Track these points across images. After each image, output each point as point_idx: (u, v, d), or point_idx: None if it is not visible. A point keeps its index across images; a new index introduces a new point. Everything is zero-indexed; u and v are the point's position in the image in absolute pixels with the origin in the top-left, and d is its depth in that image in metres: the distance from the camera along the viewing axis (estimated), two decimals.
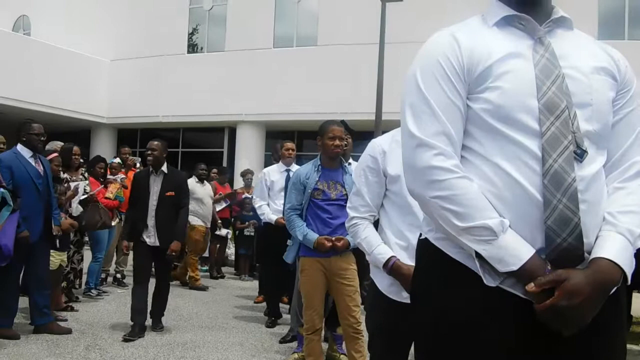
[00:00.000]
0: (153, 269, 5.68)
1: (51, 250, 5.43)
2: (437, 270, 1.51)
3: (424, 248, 1.57)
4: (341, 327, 4.54)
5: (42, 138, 5.19)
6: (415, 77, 1.52)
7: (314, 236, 3.83)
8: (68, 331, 5.18)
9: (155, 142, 5.47)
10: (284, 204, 5.25)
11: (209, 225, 8.63)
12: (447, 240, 1.48)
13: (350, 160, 4.94)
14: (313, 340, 3.96)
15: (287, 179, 5.65)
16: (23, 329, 5.13)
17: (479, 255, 1.39)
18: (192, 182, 7.88)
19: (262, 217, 6.25)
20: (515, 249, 1.36)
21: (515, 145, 1.42)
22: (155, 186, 5.41)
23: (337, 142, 3.89)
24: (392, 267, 2.37)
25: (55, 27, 18.66)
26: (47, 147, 6.03)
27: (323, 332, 4.21)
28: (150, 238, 5.36)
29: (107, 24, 17.97)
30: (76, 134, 16.19)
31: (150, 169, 5.49)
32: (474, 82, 1.47)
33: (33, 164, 5.05)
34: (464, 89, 1.48)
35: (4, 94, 13.90)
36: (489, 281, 1.39)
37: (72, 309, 6.08)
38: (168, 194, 5.39)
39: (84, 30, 18.08)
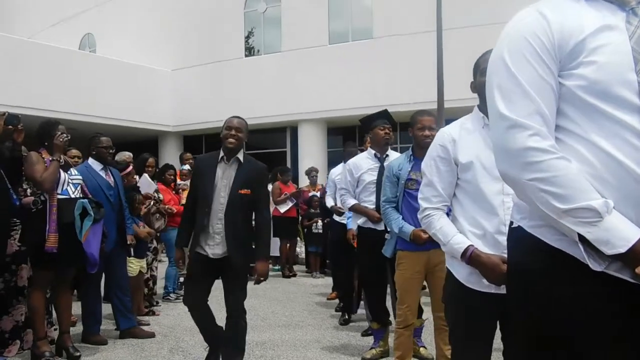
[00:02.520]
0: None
1: (130, 257, 5.65)
2: (536, 259, 1.45)
3: (518, 237, 1.51)
4: (417, 320, 4.54)
5: (111, 150, 5.40)
6: (502, 58, 1.46)
7: (409, 228, 3.76)
8: (151, 335, 5.37)
9: (237, 120, 4.11)
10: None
11: None
12: (545, 227, 1.42)
13: (389, 151, 4.91)
14: (403, 335, 3.91)
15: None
16: (110, 334, 5.34)
17: (582, 239, 1.32)
18: None
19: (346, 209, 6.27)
20: (622, 230, 1.29)
21: (614, 122, 1.34)
22: (224, 179, 4.01)
23: (427, 132, 3.87)
24: (470, 257, 2.32)
25: (118, 43, 19.41)
26: (117, 157, 6.26)
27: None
28: (214, 248, 3.98)
29: (166, 35, 18.48)
30: (144, 143, 16.74)
31: (221, 155, 4.06)
32: (566, 58, 1.41)
33: (104, 176, 5.25)
34: (555, 66, 1.42)
35: (74, 110, 14.50)
36: (594, 266, 1.32)
37: (153, 314, 6.30)
38: (243, 191, 3.97)
39: (145, 44, 18.71)
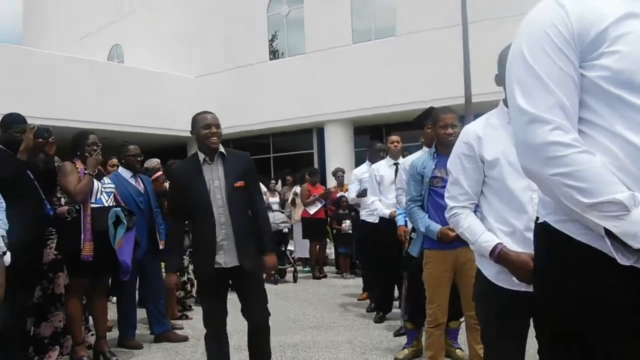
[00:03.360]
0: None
1: (164, 263, 5.74)
2: (562, 254, 1.44)
3: (544, 232, 1.50)
4: (453, 322, 4.52)
5: (139, 158, 5.52)
6: (521, 52, 1.45)
7: (436, 227, 3.75)
8: (185, 339, 5.45)
9: (210, 115, 3.76)
10: (396, 198, 5.31)
11: None
12: (570, 222, 1.41)
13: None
14: (434, 334, 3.90)
15: (396, 172, 5.62)
16: (144, 339, 5.45)
17: (609, 233, 1.31)
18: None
19: (375, 213, 6.30)
20: None
21: (639, 113, 1.33)
22: (215, 179, 3.63)
23: (450, 130, 3.85)
24: (499, 255, 2.31)
25: (144, 52, 19.72)
26: (145, 165, 6.37)
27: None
28: (226, 256, 3.61)
29: (190, 42, 18.67)
30: (171, 150, 16.94)
31: (202, 157, 3.67)
32: (587, 49, 1.39)
33: (134, 183, 5.40)
34: (575, 57, 1.40)
35: (105, 119, 14.72)
36: (622, 260, 1.31)
37: (187, 317, 6.39)
38: (238, 184, 3.64)
39: (170, 52, 18.95)
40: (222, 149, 3.70)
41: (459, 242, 3.49)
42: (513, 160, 2.34)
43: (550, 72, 1.40)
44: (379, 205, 5.97)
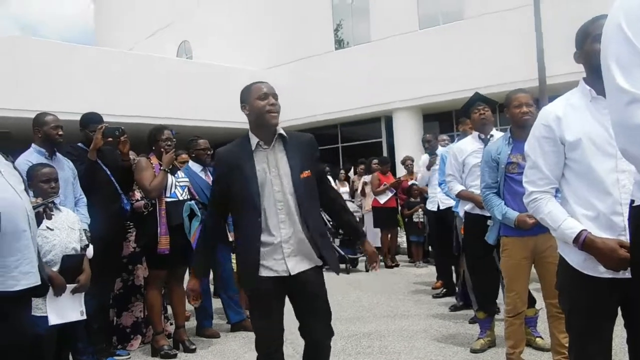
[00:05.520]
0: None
1: (234, 254, 5.84)
2: None
3: None
4: (530, 310, 4.38)
5: (209, 152, 5.63)
6: (619, 26, 1.35)
7: (513, 214, 3.64)
8: None
9: (266, 84, 3.02)
10: (447, 185, 5.21)
11: None
12: None
13: (493, 132, 4.76)
14: (514, 324, 3.79)
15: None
16: (221, 327, 5.57)
17: None
18: None
19: (434, 200, 6.26)
20: None
21: None
22: (272, 168, 2.92)
23: (525, 108, 3.71)
24: (584, 242, 2.19)
25: (211, 47, 20.14)
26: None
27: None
28: (287, 262, 2.88)
29: (256, 34, 18.91)
30: None
31: (255, 141, 2.97)
32: None
33: (203, 177, 5.51)
34: None
35: (176, 115, 15.13)
36: None
37: None
38: (305, 174, 2.95)
39: (237, 45, 19.26)
40: (281, 130, 2.99)
41: (539, 228, 3.35)
42: (597, 140, 2.22)
43: None
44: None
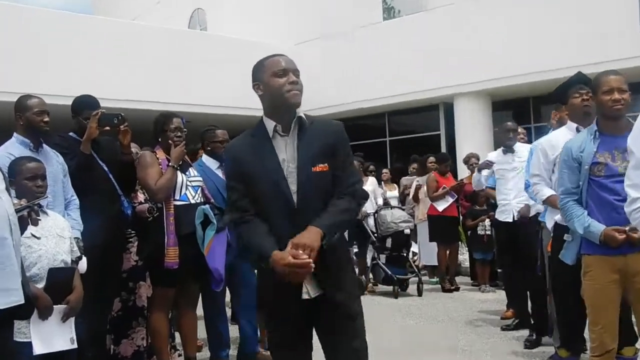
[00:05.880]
0: None
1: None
2: None
3: None
4: (628, 349, 4.31)
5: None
6: None
7: (599, 227, 3.60)
8: None
9: (284, 58, 3.05)
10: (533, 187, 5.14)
11: None
12: None
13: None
14: None
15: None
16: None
17: None
18: None
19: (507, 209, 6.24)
20: None
21: None
22: (291, 161, 2.93)
23: (617, 95, 3.66)
24: None
25: (231, 18, 20.25)
26: None
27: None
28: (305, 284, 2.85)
29: (285, 4, 19.00)
30: None
31: (273, 127, 2.96)
32: None
33: (220, 175, 5.40)
34: None
35: (187, 100, 15.24)
36: None
37: None
38: (319, 168, 2.90)
39: (262, 17, 19.34)
40: (301, 112, 2.96)
41: (630, 245, 3.32)
42: None
43: None
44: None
